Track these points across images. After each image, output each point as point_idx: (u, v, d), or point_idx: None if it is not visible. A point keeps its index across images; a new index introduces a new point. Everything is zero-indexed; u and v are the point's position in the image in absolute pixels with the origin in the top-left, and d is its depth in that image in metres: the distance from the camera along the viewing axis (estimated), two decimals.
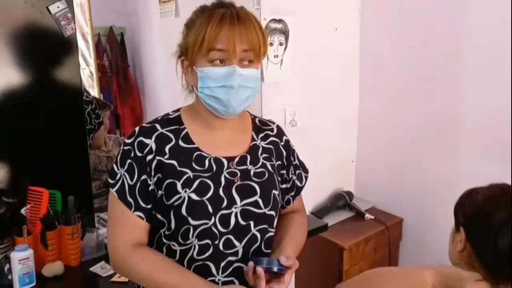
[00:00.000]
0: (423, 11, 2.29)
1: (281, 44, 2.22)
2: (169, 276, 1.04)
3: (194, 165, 1.09)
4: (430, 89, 2.32)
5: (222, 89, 1.05)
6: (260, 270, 1.02)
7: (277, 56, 2.22)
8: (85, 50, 2.78)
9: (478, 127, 2.15)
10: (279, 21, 2.19)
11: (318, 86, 2.46)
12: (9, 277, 1.52)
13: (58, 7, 1.71)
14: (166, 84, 3.29)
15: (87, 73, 2.81)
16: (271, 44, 2.18)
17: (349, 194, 2.63)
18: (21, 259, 1.50)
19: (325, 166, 2.55)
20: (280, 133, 1.27)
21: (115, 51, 3.41)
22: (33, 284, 1.54)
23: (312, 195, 2.55)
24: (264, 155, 1.19)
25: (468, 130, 2.19)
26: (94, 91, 2.86)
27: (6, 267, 1.54)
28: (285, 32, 2.22)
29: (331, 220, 2.43)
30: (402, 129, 2.50)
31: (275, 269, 1.04)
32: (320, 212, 2.51)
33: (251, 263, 1.05)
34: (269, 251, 1.16)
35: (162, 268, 1.06)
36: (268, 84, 2.20)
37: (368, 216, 2.52)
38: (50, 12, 1.70)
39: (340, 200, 2.59)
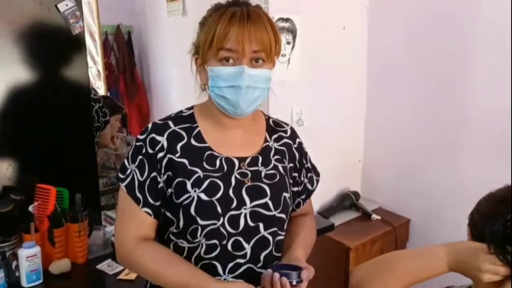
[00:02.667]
0: (431, 10, 2.28)
1: (288, 43, 2.21)
2: (177, 271, 1.04)
3: (204, 164, 1.08)
4: (438, 89, 2.31)
5: (230, 89, 1.04)
6: (285, 280, 1.00)
7: (284, 55, 2.21)
8: (93, 49, 2.79)
9: (487, 127, 2.13)
10: (287, 20, 2.18)
11: (325, 85, 2.45)
12: (17, 273, 1.53)
13: (66, 5, 1.72)
14: (173, 83, 3.30)
15: (94, 71, 2.82)
16: None
17: (356, 194, 2.62)
18: (28, 256, 1.50)
19: (331, 166, 2.54)
20: (294, 135, 1.26)
21: (122, 50, 3.42)
22: (40, 281, 1.54)
23: (319, 195, 2.52)
24: (276, 156, 1.17)
25: (476, 130, 2.18)
26: (101, 90, 2.87)
27: (14, 264, 1.55)
28: (292, 31, 2.22)
29: (338, 220, 2.42)
30: (409, 129, 2.48)
31: (294, 282, 1.02)
32: (327, 212, 2.50)
33: (269, 270, 1.03)
34: (279, 254, 1.15)
35: (170, 263, 1.05)
36: (275, 83, 2.15)
37: (374, 216, 2.50)
38: (58, 10, 1.71)
39: (347, 200, 2.58)
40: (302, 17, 2.23)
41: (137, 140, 1.10)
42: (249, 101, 1.06)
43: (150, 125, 1.11)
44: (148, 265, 1.06)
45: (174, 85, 3.28)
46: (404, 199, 2.57)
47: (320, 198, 2.56)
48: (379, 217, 2.50)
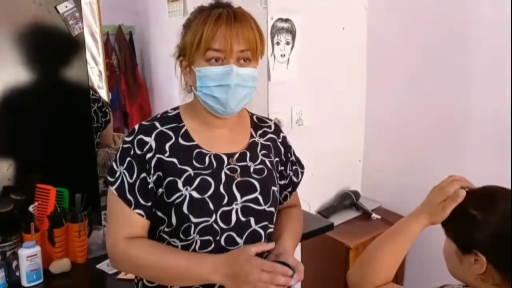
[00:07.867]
0: (431, 10, 2.28)
1: (288, 43, 2.22)
2: (176, 259, 1.04)
3: (194, 162, 1.10)
4: (438, 89, 2.31)
5: (219, 88, 1.06)
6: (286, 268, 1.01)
7: (284, 55, 2.22)
8: (94, 49, 2.79)
9: (487, 127, 2.13)
10: (286, 20, 2.19)
11: (325, 85, 2.45)
12: (17, 273, 1.54)
13: (66, 6, 1.73)
14: (174, 83, 3.30)
15: (96, 72, 2.82)
16: (278, 44, 2.18)
17: (356, 194, 2.62)
18: (28, 255, 1.51)
19: (331, 165, 2.54)
20: (278, 130, 1.29)
21: (124, 50, 3.41)
22: (41, 280, 1.55)
23: (319, 194, 2.55)
24: (263, 151, 1.20)
25: (476, 130, 2.18)
26: (103, 90, 2.88)
27: (14, 263, 1.56)
28: (292, 32, 2.22)
29: (338, 219, 2.43)
30: (409, 128, 2.48)
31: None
32: (327, 211, 2.51)
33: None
34: None
35: (167, 253, 1.06)
36: (274, 83, 2.20)
37: (374, 215, 2.51)
38: (58, 12, 1.72)
39: (347, 200, 2.59)
40: (301, 17, 2.24)
41: (124, 142, 1.11)
42: (238, 100, 1.09)
43: (137, 127, 1.12)
44: (146, 259, 1.05)
45: (176, 85, 3.27)
46: (404, 199, 2.56)
47: (320, 197, 2.57)
48: (379, 217, 2.50)
